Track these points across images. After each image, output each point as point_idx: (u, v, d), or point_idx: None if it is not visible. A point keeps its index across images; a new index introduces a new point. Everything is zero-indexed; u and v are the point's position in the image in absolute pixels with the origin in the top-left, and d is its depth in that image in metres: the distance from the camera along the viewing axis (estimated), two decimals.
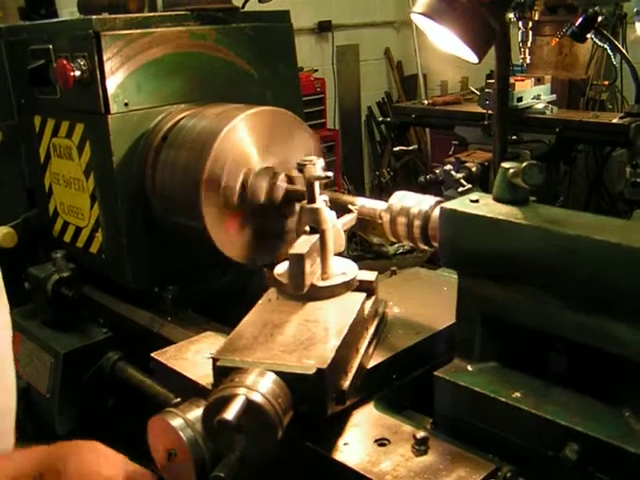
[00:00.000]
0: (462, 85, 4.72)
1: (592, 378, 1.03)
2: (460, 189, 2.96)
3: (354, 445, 1.03)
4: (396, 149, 3.99)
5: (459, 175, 3.10)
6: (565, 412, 0.98)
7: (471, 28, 1.20)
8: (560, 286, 1.00)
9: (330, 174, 1.22)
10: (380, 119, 5.92)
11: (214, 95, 1.87)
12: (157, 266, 1.83)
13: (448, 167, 3.14)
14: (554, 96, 3.63)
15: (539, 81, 3.66)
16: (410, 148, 4.08)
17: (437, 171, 3.18)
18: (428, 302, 1.18)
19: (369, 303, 1.21)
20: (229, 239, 1.61)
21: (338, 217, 1.31)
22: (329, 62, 5.94)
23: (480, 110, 3.42)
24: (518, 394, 1.03)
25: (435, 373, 1.11)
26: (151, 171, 1.72)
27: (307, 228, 1.21)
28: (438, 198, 1.24)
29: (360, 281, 1.22)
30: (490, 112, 3.45)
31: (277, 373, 0.97)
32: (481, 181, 3.09)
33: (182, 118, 1.75)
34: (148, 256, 1.82)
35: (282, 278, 1.20)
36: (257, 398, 0.92)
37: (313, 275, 1.16)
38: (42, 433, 1.92)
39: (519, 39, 3.52)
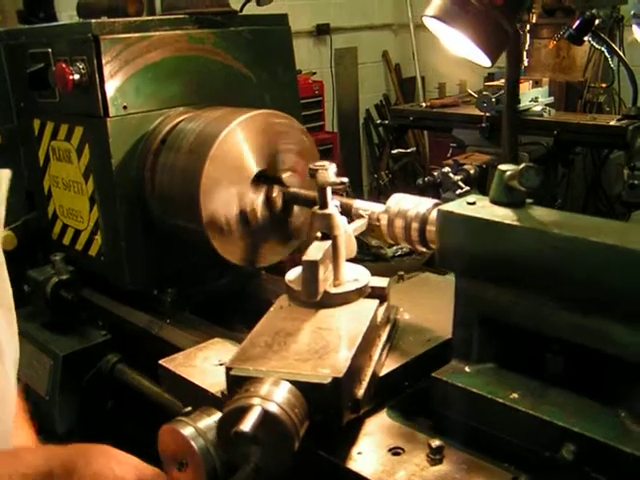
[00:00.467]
0: (460, 88, 4.73)
1: (589, 379, 1.03)
2: (458, 191, 2.97)
3: (368, 454, 1.02)
4: (394, 152, 4.00)
5: (457, 177, 3.11)
6: (562, 413, 0.98)
7: (484, 31, 1.19)
8: (557, 288, 1.01)
9: (345, 179, 1.19)
10: (378, 122, 5.93)
11: (212, 98, 1.87)
12: (156, 268, 1.84)
13: (446, 169, 3.15)
14: (552, 98, 3.64)
15: (537, 84, 3.67)
16: (408, 151, 4.09)
17: (435, 173, 3.18)
18: (438, 308, 1.17)
19: (381, 310, 1.20)
20: (227, 241, 1.62)
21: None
22: (327, 65, 5.96)
23: (478, 113, 3.43)
24: (515, 395, 1.03)
25: (433, 374, 1.12)
26: (150, 174, 1.73)
27: (319, 234, 1.19)
28: (435, 200, 1.25)
29: (372, 287, 1.21)
30: (488, 114, 3.48)
31: (292, 382, 0.96)
32: (479, 183, 3.10)
33: (181, 121, 1.75)
34: (147, 258, 1.82)
35: (294, 285, 1.18)
36: (274, 409, 0.91)
37: (326, 282, 1.15)
38: (41, 435, 1.92)
39: None
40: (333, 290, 1.17)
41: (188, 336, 1.66)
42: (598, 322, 0.98)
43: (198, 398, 1.17)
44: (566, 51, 3.92)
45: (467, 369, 1.12)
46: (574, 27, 3.24)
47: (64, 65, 1.71)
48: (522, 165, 1.02)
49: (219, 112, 1.72)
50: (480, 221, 1.07)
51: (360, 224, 1.33)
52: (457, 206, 1.12)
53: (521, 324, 1.08)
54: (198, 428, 1.05)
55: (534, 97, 3.53)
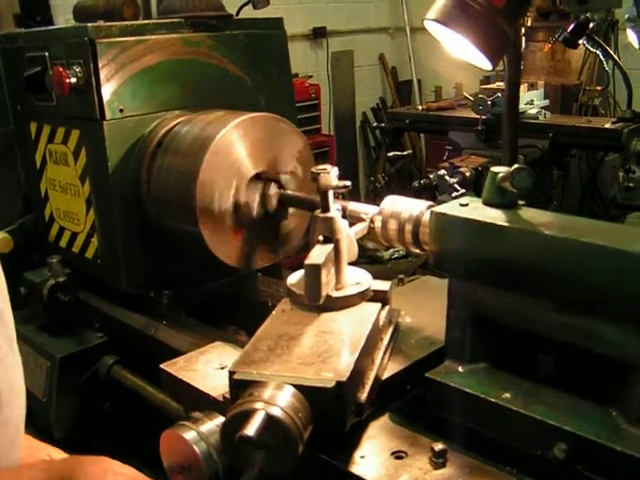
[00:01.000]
0: (456, 91, 4.74)
1: (580, 379, 1.04)
2: (454, 194, 2.98)
3: (371, 458, 1.02)
4: (390, 154, 4.01)
5: (453, 180, 3.12)
6: (554, 412, 0.99)
7: (485, 35, 1.19)
8: (548, 288, 1.02)
9: (348, 183, 1.19)
10: (375, 124, 5.94)
11: (208, 101, 1.88)
12: (152, 270, 1.84)
13: (442, 172, 3.16)
14: (547, 101, 3.66)
15: (532, 86, 3.68)
16: (404, 153, 4.09)
17: (431, 176, 3.20)
18: (440, 311, 1.17)
19: (383, 313, 1.20)
20: (223, 243, 1.62)
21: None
22: (324, 68, 5.97)
23: (474, 115, 3.45)
24: (508, 395, 1.05)
25: (426, 374, 1.13)
26: (146, 176, 1.74)
27: (321, 237, 1.19)
28: (429, 202, 1.26)
29: (374, 291, 1.21)
30: (484, 117, 3.49)
31: (296, 386, 0.96)
32: (475, 186, 3.11)
33: (177, 124, 1.76)
34: (143, 260, 1.83)
35: (296, 289, 1.18)
36: (277, 413, 0.91)
37: (328, 285, 1.15)
38: (38, 437, 1.92)
39: None
40: (335, 294, 1.17)
41: (185, 338, 1.67)
42: (589, 322, 0.99)
43: (199, 402, 1.18)
44: (561, 54, 3.93)
45: (460, 369, 1.13)
46: (569, 30, 3.25)
47: (61, 69, 1.72)
48: (514, 167, 1.03)
49: (215, 115, 1.72)
50: (472, 222, 1.08)
51: (361, 227, 1.33)
52: (450, 208, 1.13)
53: (513, 324, 1.09)
54: (200, 432, 1.06)
55: (529, 100, 3.55)
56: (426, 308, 1.36)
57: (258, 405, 0.91)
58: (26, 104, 2.04)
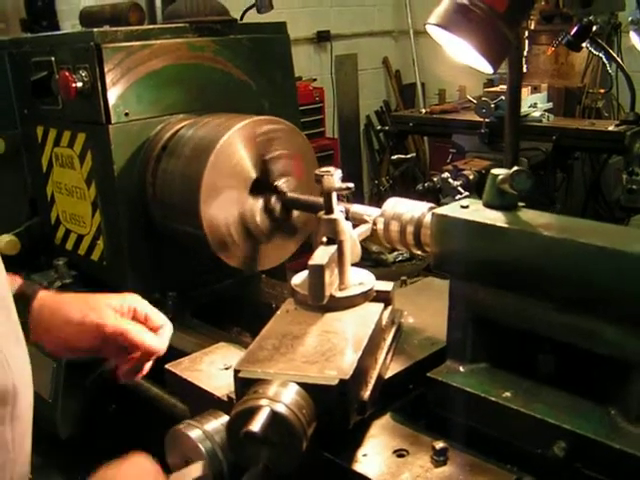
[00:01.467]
0: (460, 94, 4.75)
1: (580, 378, 1.05)
2: (457, 197, 2.99)
3: (373, 456, 1.03)
4: (394, 157, 4.02)
5: (456, 183, 3.13)
6: (553, 411, 1.01)
7: (487, 39, 1.20)
8: (548, 289, 1.03)
9: (351, 185, 1.21)
10: (379, 128, 5.95)
11: (212, 105, 1.90)
12: (157, 272, 1.86)
13: (445, 175, 3.17)
14: (550, 104, 3.66)
15: (536, 89, 3.69)
16: (408, 156, 4.11)
17: (435, 179, 3.21)
18: (442, 312, 1.19)
19: (386, 313, 1.22)
20: (227, 245, 1.64)
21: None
22: (328, 71, 5.99)
23: (477, 119, 3.46)
24: (508, 394, 1.06)
25: (428, 374, 1.14)
26: (151, 179, 1.76)
27: (324, 239, 1.21)
28: (430, 204, 1.27)
29: (377, 291, 1.23)
30: (487, 120, 3.50)
31: (300, 384, 0.97)
32: (478, 189, 3.12)
33: (181, 128, 1.78)
34: (148, 262, 1.85)
35: (300, 289, 1.20)
36: (282, 409, 0.93)
37: (332, 286, 1.17)
38: (44, 438, 1.94)
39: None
40: (339, 294, 1.19)
41: (189, 339, 1.68)
42: (588, 322, 1.00)
43: (204, 401, 1.19)
44: (564, 57, 3.95)
45: (461, 369, 1.15)
46: (572, 33, 3.26)
47: (67, 73, 1.74)
48: (513, 169, 1.05)
49: (219, 119, 1.74)
50: (473, 224, 1.09)
51: (365, 229, 1.34)
52: (451, 210, 1.15)
53: (514, 325, 1.10)
54: (205, 431, 1.07)
55: (533, 103, 3.56)
56: (428, 309, 1.37)
57: (263, 402, 0.93)
58: (32, 108, 2.06)
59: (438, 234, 1.16)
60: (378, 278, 1.28)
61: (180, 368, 1.30)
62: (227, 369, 1.25)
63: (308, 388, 0.97)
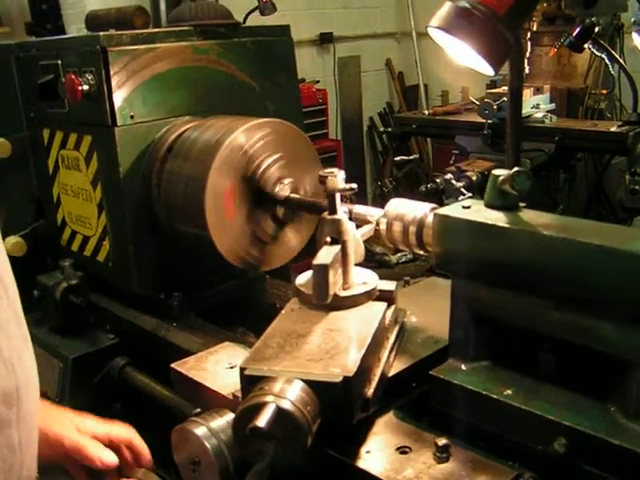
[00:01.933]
0: (463, 95, 4.77)
1: (580, 376, 1.06)
2: (460, 198, 3.00)
3: (376, 453, 1.05)
4: (397, 159, 4.04)
5: (459, 184, 3.15)
6: (554, 408, 1.02)
7: (488, 42, 1.22)
8: (548, 288, 1.05)
9: (354, 185, 1.22)
10: (382, 129, 5.96)
11: (217, 107, 1.92)
12: (163, 273, 1.88)
13: (448, 176, 3.18)
14: (553, 105, 3.67)
15: (538, 90, 3.71)
16: (411, 158, 4.13)
17: (438, 180, 3.22)
18: (445, 311, 1.20)
19: (389, 312, 1.23)
20: (232, 246, 1.66)
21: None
22: (331, 73, 6.01)
23: (480, 120, 3.47)
24: (509, 391, 1.07)
25: (430, 372, 1.15)
26: (157, 181, 1.78)
27: (328, 239, 1.22)
28: (432, 205, 1.29)
29: (380, 291, 1.25)
30: (490, 121, 3.51)
31: (305, 381, 0.99)
32: (481, 190, 3.13)
33: (186, 130, 1.80)
34: (154, 263, 1.86)
35: (304, 288, 1.22)
36: (287, 406, 0.94)
37: (336, 285, 1.18)
38: None
39: None
40: (342, 293, 1.20)
41: (195, 339, 1.70)
42: (588, 320, 1.01)
43: (209, 400, 1.21)
44: (567, 58, 3.96)
45: (463, 367, 1.16)
46: (574, 35, 3.27)
47: (73, 76, 1.76)
48: (514, 170, 1.06)
49: (224, 121, 1.76)
50: (474, 224, 1.11)
51: (368, 229, 1.36)
52: (452, 210, 1.17)
53: (515, 323, 1.12)
54: (211, 428, 1.09)
55: (535, 104, 3.57)
56: (431, 308, 1.38)
57: (269, 398, 0.94)
58: (39, 111, 2.08)
59: (440, 234, 1.17)
60: (381, 279, 1.29)
61: (186, 367, 1.32)
62: (232, 368, 1.27)
63: (313, 385, 0.99)
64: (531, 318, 1.09)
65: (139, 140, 1.81)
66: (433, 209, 1.27)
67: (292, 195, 1.64)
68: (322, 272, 1.10)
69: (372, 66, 6.42)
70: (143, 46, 1.80)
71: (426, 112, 4.13)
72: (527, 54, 3.81)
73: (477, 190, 3.13)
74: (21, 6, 4.73)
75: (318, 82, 5.68)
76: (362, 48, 6.26)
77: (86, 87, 1.76)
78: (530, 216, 1.10)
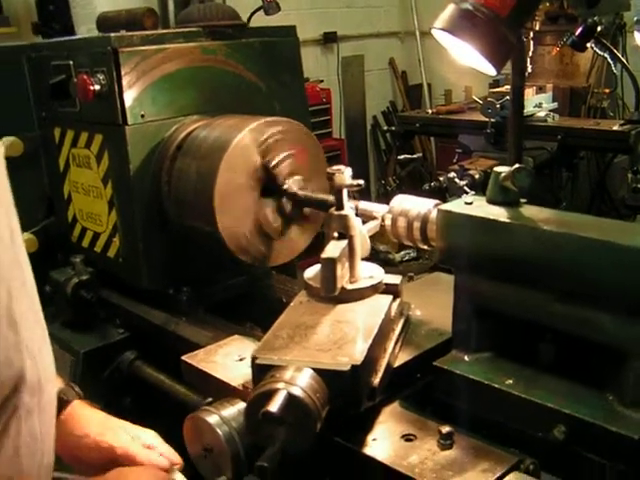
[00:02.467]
0: (466, 94, 4.80)
1: (579, 365, 1.10)
2: (464, 196, 3.03)
3: (382, 441, 1.08)
4: (401, 157, 4.07)
5: (462, 182, 3.18)
6: (553, 396, 1.05)
7: (489, 43, 1.25)
8: (548, 281, 1.08)
9: (361, 181, 1.25)
10: (385, 128, 6.00)
11: (224, 107, 1.95)
12: (172, 268, 1.91)
13: (452, 175, 3.21)
14: (556, 104, 3.70)
15: (541, 89, 3.73)
16: (415, 156, 4.15)
17: (441, 179, 3.25)
18: (448, 305, 1.24)
19: (395, 305, 1.27)
20: (241, 243, 1.70)
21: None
22: (335, 73, 6.05)
23: (483, 119, 3.50)
24: (510, 381, 1.11)
25: (434, 363, 1.19)
26: (166, 178, 1.82)
27: (335, 234, 1.25)
28: (436, 201, 1.32)
29: (386, 284, 1.28)
30: (492, 120, 3.54)
31: (314, 370, 1.03)
32: (484, 188, 3.15)
33: (195, 128, 1.84)
34: (163, 259, 1.90)
35: (312, 282, 1.26)
36: (298, 392, 0.98)
37: (343, 278, 1.21)
38: None
39: None
40: (349, 286, 1.24)
41: (204, 333, 1.73)
42: (586, 312, 1.05)
43: (220, 391, 1.24)
44: (570, 57, 3.98)
45: (466, 358, 1.20)
46: (577, 34, 3.29)
47: (85, 76, 1.80)
48: (514, 167, 1.10)
49: (232, 120, 1.80)
50: (476, 219, 1.14)
51: (373, 225, 1.39)
52: (455, 206, 1.20)
53: (516, 315, 1.15)
54: (222, 416, 1.12)
55: (538, 103, 3.60)
56: (435, 302, 1.42)
57: (280, 385, 0.98)
58: (50, 110, 2.12)
59: (443, 229, 1.21)
60: None
61: (196, 360, 1.35)
62: (241, 360, 1.30)
63: (322, 373, 1.02)
64: (532, 310, 1.12)
65: (149, 138, 1.85)
66: (437, 205, 1.30)
67: (300, 191, 1.68)
68: (330, 265, 1.14)
69: (376, 65, 6.45)
70: (153, 47, 1.84)
71: (429, 111, 4.16)
72: (530, 53, 3.85)
73: (480, 188, 3.15)
74: (28, 6, 4.76)
75: (322, 81, 5.71)
76: (366, 47, 6.29)
77: (97, 87, 1.80)
78: (531, 212, 1.14)
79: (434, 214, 1.28)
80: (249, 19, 2.17)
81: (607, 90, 3.99)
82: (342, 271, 1.19)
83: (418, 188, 3.55)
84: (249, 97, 2.03)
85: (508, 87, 3.31)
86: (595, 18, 3.35)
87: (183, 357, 1.37)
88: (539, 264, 1.08)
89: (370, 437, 1.10)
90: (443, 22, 1.29)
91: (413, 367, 1.24)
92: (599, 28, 3.35)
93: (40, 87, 2.11)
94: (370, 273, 1.29)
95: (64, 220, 2.21)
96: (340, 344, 1.09)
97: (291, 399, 0.96)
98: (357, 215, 1.35)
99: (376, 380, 1.10)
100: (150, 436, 1.24)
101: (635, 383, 1.01)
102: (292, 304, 1.25)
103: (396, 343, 1.23)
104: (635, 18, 3.44)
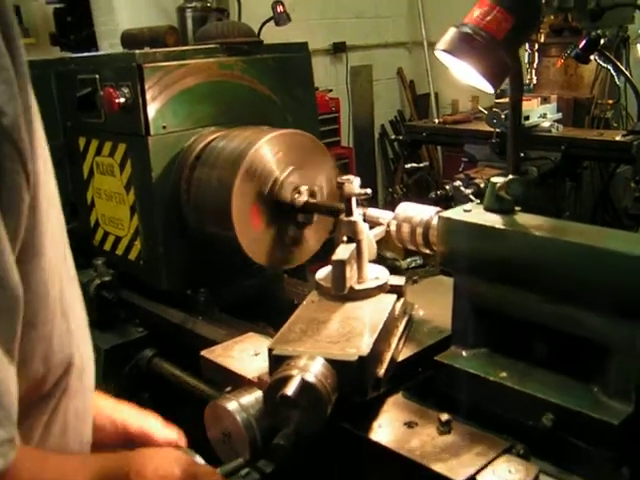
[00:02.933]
0: (472, 104, 4.88)
1: (567, 360, 1.18)
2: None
3: (386, 427, 1.17)
4: (408, 166, 4.14)
5: (468, 191, 3.25)
6: (543, 388, 1.14)
7: (488, 64, 1.35)
8: (540, 282, 1.17)
9: (369, 190, 1.36)
10: (393, 137, 6.08)
11: (240, 119, 2.06)
12: (190, 271, 2.02)
13: (457, 183, 3.29)
14: (560, 115, 3.76)
15: (545, 100, 3.80)
16: (421, 165, 4.21)
17: (447, 187, 3.32)
18: (448, 305, 1.33)
19: (399, 304, 1.37)
20: (256, 247, 1.80)
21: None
22: (343, 82, 6.11)
23: (488, 129, 3.57)
24: (504, 374, 1.20)
25: (435, 358, 1.29)
26: (186, 186, 1.93)
27: (345, 238, 1.36)
28: (437, 208, 1.43)
29: (391, 285, 1.38)
30: (498, 130, 3.62)
31: (325, 359, 1.11)
32: None
33: (213, 139, 1.95)
34: (182, 262, 2.00)
35: (323, 282, 1.36)
36: (311, 378, 1.07)
37: (351, 279, 1.31)
38: None
39: (526, 60, 3.67)
40: (357, 286, 1.34)
41: (220, 331, 1.82)
42: (574, 311, 1.13)
43: (236, 384, 1.32)
44: (574, 69, 4.05)
45: (464, 353, 1.29)
46: (580, 46, 3.37)
47: (111, 90, 1.91)
48: (509, 177, 1.20)
49: (248, 131, 1.91)
50: (474, 226, 1.24)
51: (379, 230, 1.49)
52: (455, 213, 1.30)
53: (510, 314, 1.24)
54: (241, 403, 1.21)
55: (542, 113, 3.67)
56: (437, 302, 1.50)
57: (295, 372, 1.08)
58: (76, 121, 2.24)
59: (444, 235, 1.31)
60: None
61: (214, 355, 1.44)
62: (257, 355, 1.39)
63: (332, 363, 1.12)
64: (524, 310, 1.21)
65: (170, 148, 1.96)
66: (438, 212, 1.41)
67: (310, 200, 1.79)
68: (340, 267, 1.25)
69: (384, 75, 6.51)
70: (175, 62, 1.95)
71: (436, 121, 4.22)
72: (535, 65, 3.91)
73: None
74: (46, 17, 4.89)
75: (331, 91, 5.79)
76: (374, 57, 6.35)
77: (122, 100, 1.91)
78: (524, 219, 1.24)
79: (435, 221, 1.38)
80: (260, 29, 2.28)
81: (611, 101, 4.05)
82: (351, 272, 1.30)
83: (425, 196, 3.62)
84: (263, 110, 2.14)
85: (508, 101, 3.39)
86: (599, 31, 3.42)
87: (202, 352, 1.45)
88: (531, 267, 1.17)
89: (376, 424, 1.19)
90: (445, 44, 1.40)
91: (415, 361, 1.33)
92: (602, 41, 3.41)
93: (66, 99, 2.23)
94: (376, 274, 1.39)
95: (86, 225, 2.33)
96: (348, 337, 1.19)
97: (305, 384, 1.06)
98: (365, 221, 1.46)
99: (381, 371, 1.20)
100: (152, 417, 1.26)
101: (618, 376, 1.10)
102: (305, 302, 1.35)
103: (400, 339, 1.33)
104: (639, 31, 3.52)
